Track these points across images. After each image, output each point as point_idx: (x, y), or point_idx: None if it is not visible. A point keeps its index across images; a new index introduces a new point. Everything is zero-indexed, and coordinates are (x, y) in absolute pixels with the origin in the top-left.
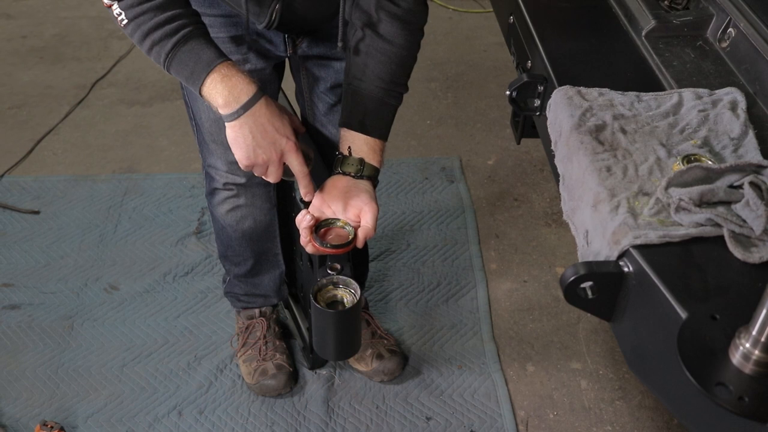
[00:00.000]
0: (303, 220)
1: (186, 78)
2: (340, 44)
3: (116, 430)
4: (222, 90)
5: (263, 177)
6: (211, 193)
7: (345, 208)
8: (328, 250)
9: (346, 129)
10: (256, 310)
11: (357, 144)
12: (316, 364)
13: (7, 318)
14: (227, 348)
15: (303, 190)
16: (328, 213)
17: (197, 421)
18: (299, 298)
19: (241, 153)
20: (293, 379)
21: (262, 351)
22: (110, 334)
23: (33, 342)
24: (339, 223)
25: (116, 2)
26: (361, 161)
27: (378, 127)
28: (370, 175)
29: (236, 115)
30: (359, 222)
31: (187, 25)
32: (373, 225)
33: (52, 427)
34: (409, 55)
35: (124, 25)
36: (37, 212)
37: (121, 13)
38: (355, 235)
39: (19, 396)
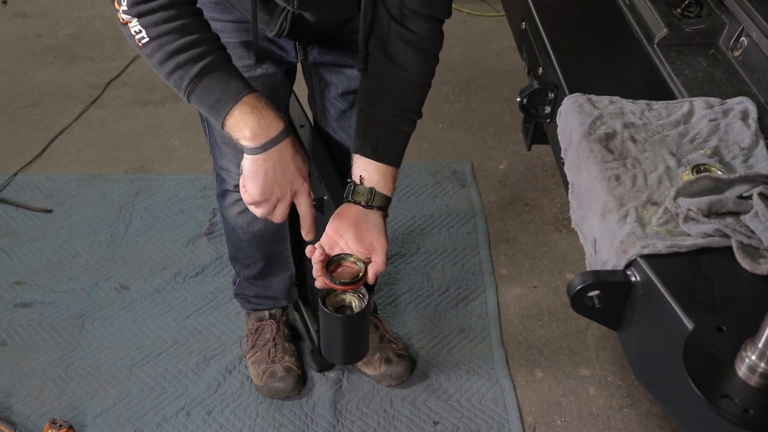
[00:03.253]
0: (315, 255)
1: (210, 106)
2: (361, 65)
3: (125, 429)
4: (251, 122)
5: (267, 217)
6: (222, 194)
7: (356, 241)
8: (338, 287)
9: (358, 156)
10: (266, 312)
11: (369, 171)
12: (325, 366)
13: (19, 316)
14: (236, 349)
15: (305, 230)
16: (341, 243)
17: (205, 422)
18: (309, 300)
19: (257, 188)
20: (301, 381)
21: (271, 353)
22: (120, 334)
23: (43, 340)
24: (351, 259)
25: (136, 19)
26: (372, 191)
27: (390, 153)
28: (381, 205)
29: (263, 149)
30: (370, 255)
31: (214, 50)
32: (384, 261)
33: (61, 426)
34: (423, 82)
35: (144, 44)
36: (49, 211)
37: (141, 31)
38: (366, 271)
39: (29, 394)
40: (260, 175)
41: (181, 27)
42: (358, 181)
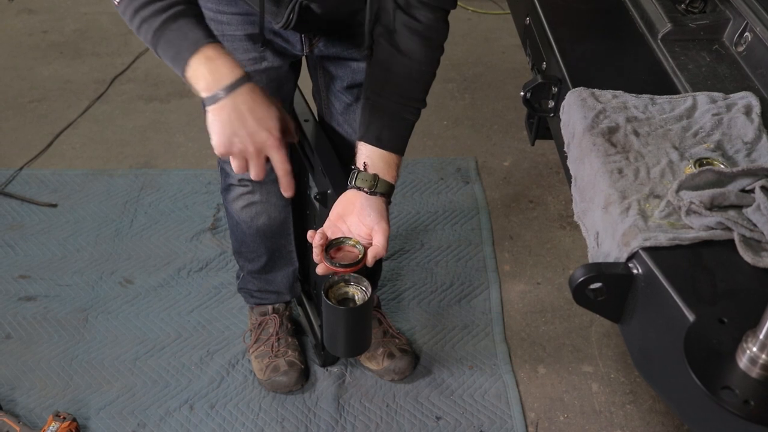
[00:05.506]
0: (315, 239)
1: (171, 59)
2: (366, 52)
3: (128, 422)
4: (205, 72)
5: (245, 172)
6: (226, 189)
7: (358, 225)
8: (338, 269)
9: (362, 143)
10: (269, 307)
11: (373, 158)
12: (328, 361)
13: (23, 309)
14: (240, 343)
15: (282, 188)
16: (343, 228)
17: (208, 416)
18: (312, 295)
19: (216, 139)
20: (304, 376)
21: (275, 347)
22: (124, 328)
23: (48, 333)
24: (350, 242)
25: None
26: (375, 177)
27: (394, 141)
28: (384, 191)
29: (216, 98)
30: (371, 240)
31: (179, 3)
32: (384, 245)
33: (64, 418)
34: (428, 71)
35: (118, 2)
36: (54, 205)
37: None
38: (365, 254)
39: (33, 387)
40: (216, 126)
41: None
42: (361, 168)
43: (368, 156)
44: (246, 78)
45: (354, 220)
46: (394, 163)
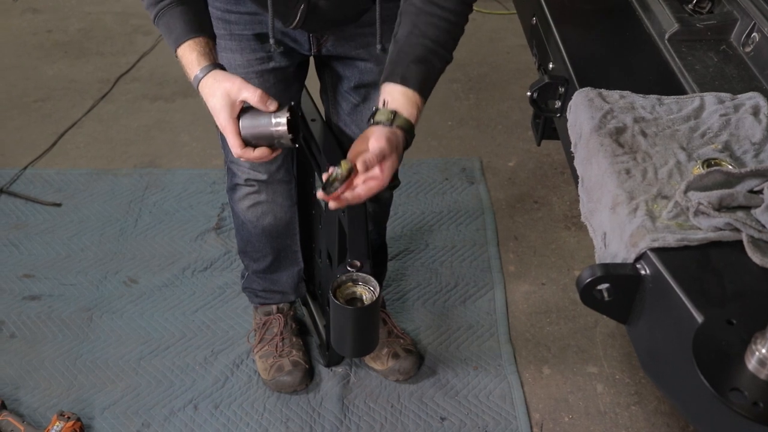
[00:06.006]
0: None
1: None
2: (378, 46)
3: (132, 422)
4: (184, 67)
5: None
6: (233, 188)
7: (368, 148)
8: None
9: (385, 84)
10: (274, 307)
11: (394, 95)
12: (332, 361)
13: (27, 309)
14: (244, 343)
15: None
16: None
17: (212, 416)
18: (317, 295)
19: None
20: (309, 376)
21: (279, 347)
22: (128, 327)
23: (52, 333)
24: (342, 166)
25: None
26: (394, 112)
27: (419, 80)
28: (402, 125)
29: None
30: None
31: None
32: (385, 175)
33: (69, 418)
34: (457, 22)
35: None
36: (59, 205)
37: None
38: (350, 170)
39: (38, 386)
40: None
41: None
42: (381, 106)
43: (390, 93)
44: (204, 71)
45: (364, 146)
46: (415, 102)
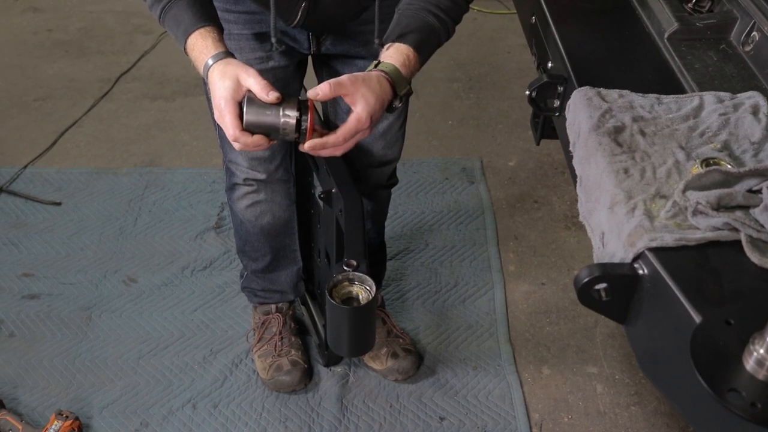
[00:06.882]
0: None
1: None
2: (377, 41)
3: (131, 421)
4: (192, 60)
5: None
6: (231, 188)
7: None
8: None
9: (385, 46)
10: (273, 306)
11: (389, 51)
12: (331, 361)
13: (26, 307)
14: (243, 343)
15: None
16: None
17: (211, 415)
18: (316, 295)
19: None
20: (308, 375)
21: (278, 347)
22: (127, 326)
23: (51, 332)
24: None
25: None
26: (378, 62)
27: (416, 38)
28: (387, 70)
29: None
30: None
31: None
32: (358, 117)
33: (67, 417)
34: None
35: None
36: (58, 204)
37: None
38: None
39: (36, 385)
40: None
41: None
42: (373, 67)
43: (386, 50)
44: (218, 56)
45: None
46: (410, 56)
